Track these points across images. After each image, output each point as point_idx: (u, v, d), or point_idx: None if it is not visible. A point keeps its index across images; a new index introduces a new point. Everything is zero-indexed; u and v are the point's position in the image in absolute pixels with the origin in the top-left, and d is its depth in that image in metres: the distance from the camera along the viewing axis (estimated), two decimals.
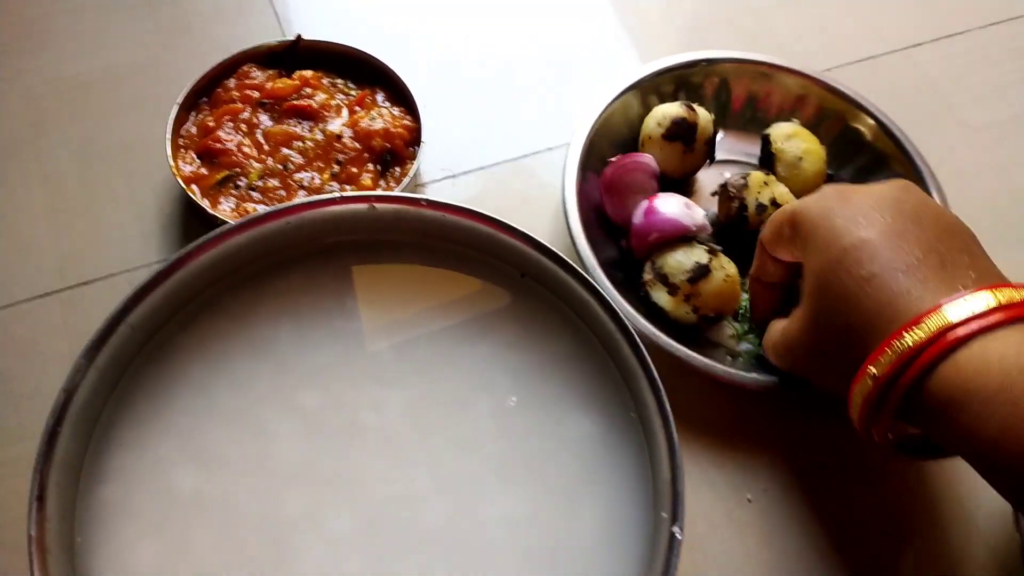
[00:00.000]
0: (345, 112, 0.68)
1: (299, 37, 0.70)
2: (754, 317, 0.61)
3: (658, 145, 0.66)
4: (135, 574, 0.47)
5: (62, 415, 0.46)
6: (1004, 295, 0.42)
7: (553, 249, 0.53)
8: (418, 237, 0.57)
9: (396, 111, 0.68)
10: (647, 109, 0.68)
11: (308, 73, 0.69)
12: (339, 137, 0.66)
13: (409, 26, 0.79)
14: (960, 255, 0.46)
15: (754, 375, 0.58)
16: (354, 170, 0.65)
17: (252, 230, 0.54)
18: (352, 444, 0.51)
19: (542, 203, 0.69)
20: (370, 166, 0.65)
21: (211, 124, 0.66)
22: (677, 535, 0.44)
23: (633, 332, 0.50)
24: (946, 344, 0.42)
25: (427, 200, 0.54)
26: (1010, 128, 0.76)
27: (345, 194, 0.56)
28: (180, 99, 0.66)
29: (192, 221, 0.66)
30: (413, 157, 0.66)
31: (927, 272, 0.44)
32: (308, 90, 0.68)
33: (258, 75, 0.69)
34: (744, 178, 0.63)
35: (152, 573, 0.47)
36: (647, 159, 0.65)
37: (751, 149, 0.70)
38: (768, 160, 0.67)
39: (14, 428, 0.57)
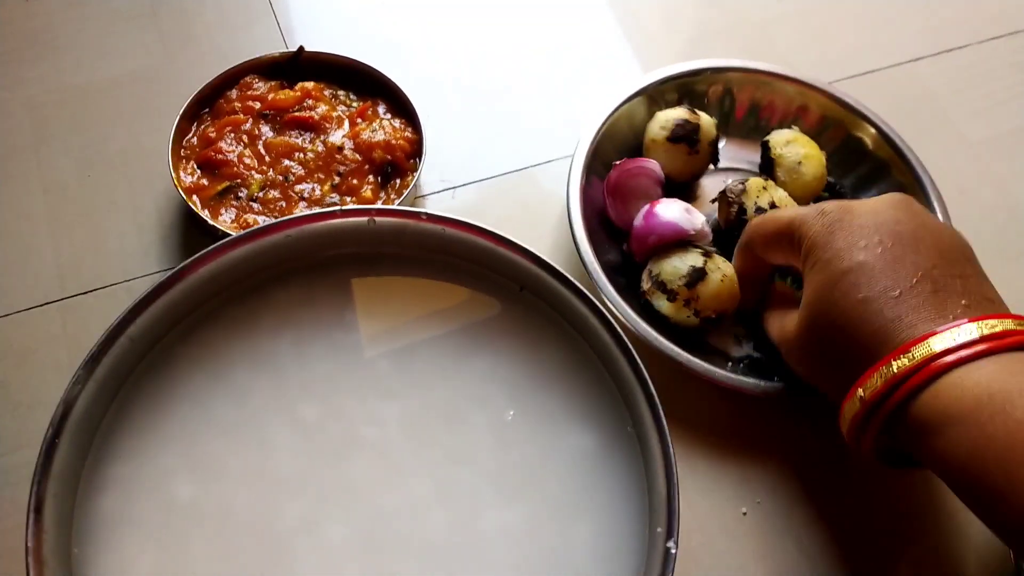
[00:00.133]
0: (346, 124, 0.68)
1: (301, 49, 0.70)
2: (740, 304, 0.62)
3: (662, 148, 0.66)
4: None
5: (61, 427, 0.47)
6: (987, 326, 0.44)
7: (551, 263, 0.53)
8: (418, 250, 0.57)
9: (397, 123, 0.68)
10: (652, 116, 0.69)
11: (310, 85, 0.69)
12: (340, 149, 0.66)
13: (411, 39, 0.80)
14: (954, 280, 0.47)
15: (754, 380, 0.58)
16: (355, 182, 0.65)
17: (253, 243, 0.54)
18: (350, 456, 0.51)
19: (543, 214, 0.69)
20: (371, 178, 0.65)
21: (212, 135, 0.66)
22: (672, 550, 0.44)
23: (630, 346, 0.50)
24: (930, 372, 0.44)
25: (427, 214, 0.55)
26: (1010, 142, 0.76)
27: (345, 207, 0.56)
28: (182, 110, 0.66)
29: (192, 231, 0.66)
30: (414, 169, 0.66)
31: (919, 300, 0.46)
32: (310, 102, 0.68)
33: (260, 86, 0.69)
34: (743, 183, 0.64)
35: None
36: (652, 164, 0.66)
37: (754, 157, 0.71)
38: (768, 166, 0.68)
39: (13, 436, 0.57)
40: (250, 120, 0.67)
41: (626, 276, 0.64)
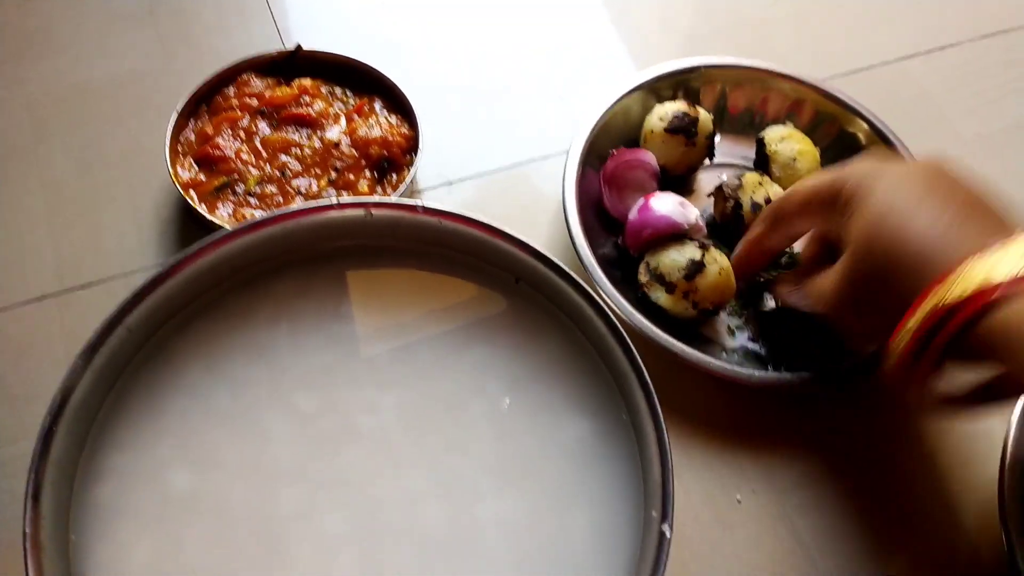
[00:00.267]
0: (343, 120, 0.68)
1: (298, 47, 0.71)
2: (737, 277, 0.62)
3: (660, 139, 0.67)
4: (130, 573, 0.47)
5: (58, 415, 0.47)
6: None
7: (546, 254, 0.53)
8: (414, 243, 0.57)
9: (394, 119, 0.69)
10: (647, 113, 0.69)
11: (307, 82, 0.70)
12: (337, 145, 0.67)
13: (407, 36, 0.80)
14: (993, 217, 0.49)
15: (749, 370, 0.59)
16: (351, 177, 0.65)
17: (249, 235, 0.54)
18: (347, 446, 0.51)
19: (539, 209, 0.70)
20: (367, 173, 0.66)
21: (210, 131, 0.66)
22: (666, 533, 0.44)
23: (625, 336, 0.50)
24: (988, 296, 0.44)
25: (423, 206, 0.55)
26: (1002, 139, 0.77)
27: (342, 200, 0.56)
28: (180, 106, 0.66)
29: (190, 226, 0.66)
30: (410, 165, 0.66)
31: (965, 231, 0.47)
32: (306, 98, 0.69)
33: (257, 84, 0.70)
34: (739, 178, 0.65)
35: (147, 572, 0.47)
36: (649, 157, 0.67)
37: (748, 153, 0.71)
38: (763, 162, 0.68)
39: (11, 429, 0.58)
40: (247, 117, 0.68)
41: (621, 269, 0.64)
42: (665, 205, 0.62)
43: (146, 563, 0.47)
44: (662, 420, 0.48)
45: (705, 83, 0.73)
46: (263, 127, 0.68)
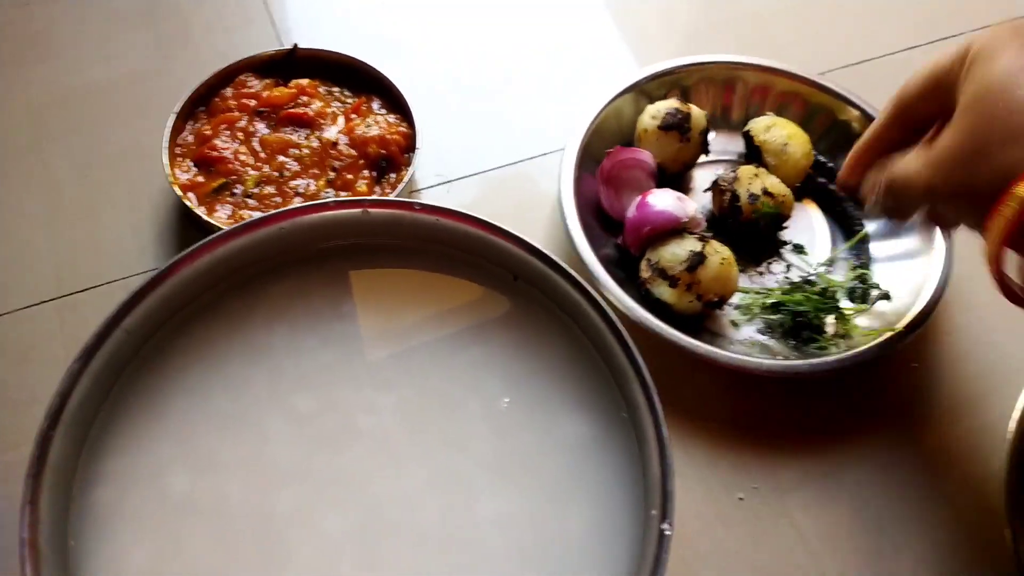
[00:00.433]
0: (341, 119, 0.68)
1: (295, 46, 0.71)
2: (850, 175, 0.59)
3: (654, 136, 0.67)
4: None
5: (56, 418, 0.47)
6: None
7: (545, 251, 0.53)
8: (412, 241, 0.57)
9: (392, 118, 0.68)
10: (639, 113, 0.69)
11: (304, 81, 0.70)
12: (335, 144, 0.66)
13: (405, 35, 0.80)
14: None
15: (756, 359, 0.58)
16: (350, 177, 0.65)
17: (247, 235, 0.54)
18: (346, 446, 0.51)
19: (538, 207, 0.69)
20: (366, 173, 0.66)
21: (208, 132, 0.66)
22: (667, 532, 0.44)
23: (624, 332, 0.50)
24: None
25: (420, 204, 0.55)
26: None
27: (339, 199, 0.56)
28: (177, 108, 0.66)
29: (189, 229, 0.66)
30: (408, 164, 0.66)
31: None
32: (304, 98, 0.69)
33: (255, 84, 0.70)
34: (734, 171, 0.65)
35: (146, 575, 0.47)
36: (645, 156, 0.66)
37: (743, 148, 0.71)
38: (755, 154, 0.68)
39: (10, 433, 0.58)
40: (245, 117, 0.67)
41: (624, 269, 0.64)
42: (663, 201, 0.62)
43: (146, 566, 0.47)
44: (662, 418, 0.47)
45: (696, 81, 0.73)
46: (261, 127, 0.68)
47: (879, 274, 0.65)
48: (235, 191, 0.64)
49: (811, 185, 0.69)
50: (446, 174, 0.71)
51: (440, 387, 0.53)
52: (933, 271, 0.62)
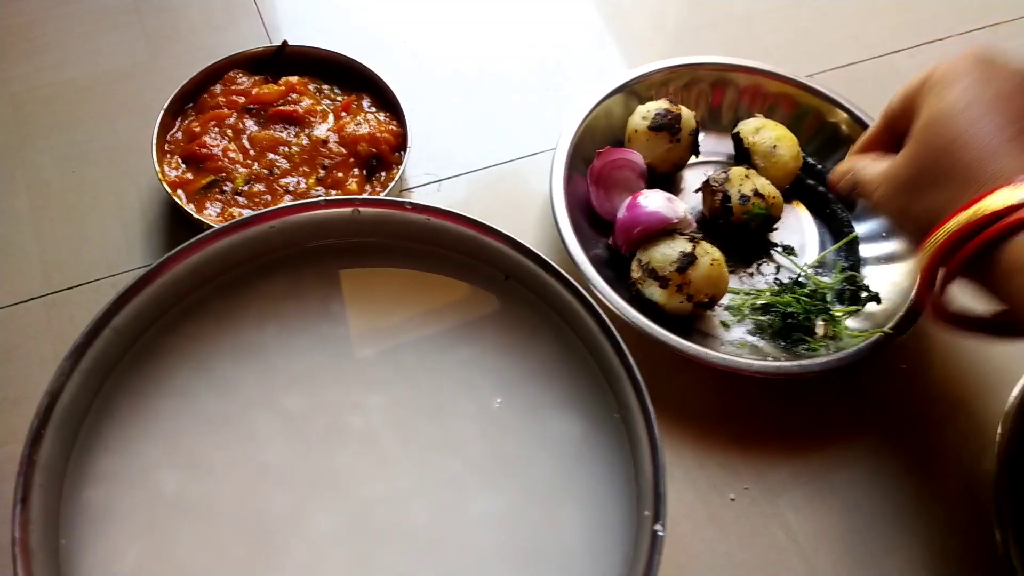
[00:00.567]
0: (331, 117, 0.68)
1: (285, 43, 0.70)
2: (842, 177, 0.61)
3: (644, 137, 0.67)
4: None
5: (46, 418, 0.46)
6: None
7: (535, 251, 0.53)
8: (403, 241, 0.57)
9: (382, 116, 0.68)
10: (630, 114, 0.69)
11: (294, 79, 0.69)
12: (325, 142, 0.66)
13: (395, 32, 0.80)
14: None
15: (747, 360, 0.59)
16: (340, 175, 0.65)
17: (236, 234, 0.54)
18: (336, 446, 0.51)
19: (528, 207, 0.70)
20: (356, 171, 0.65)
21: (197, 129, 0.66)
22: (659, 533, 0.44)
23: (615, 332, 0.50)
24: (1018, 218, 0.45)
25: (411, 204, 0.55)
26: None
27: (329, 198, 0.56)
28: (166, 105, 0.66)
29: (178, 226, 0.66)
30: (399, 162, 0.66)
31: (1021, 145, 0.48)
32: (294, 96, 0.68)
33: (244, 81, 0.69)
34: (725, 172, 0.65)
35: (137, 575, 0.47)
36: (635, 156, 0.67)
37: (732, 151, 0.71)
38: (744, 156, 0.69)
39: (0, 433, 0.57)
40: (234, 114, 0.67)
41: (614, 270, 0.64)
42: (653, 201, 0.62)
43: (137, 566, 0.47)
44: (653, 419, 0.47)
45: (686, 83, 0.73)
46: (250, 125, 0.67)
47: (869, 276, 0.65)
48: (224, 188, 0.64)
49: (800, 187, 0.70)
50: (436, 173, 0.71)
51: (431, 387, 0.53)
52: None
